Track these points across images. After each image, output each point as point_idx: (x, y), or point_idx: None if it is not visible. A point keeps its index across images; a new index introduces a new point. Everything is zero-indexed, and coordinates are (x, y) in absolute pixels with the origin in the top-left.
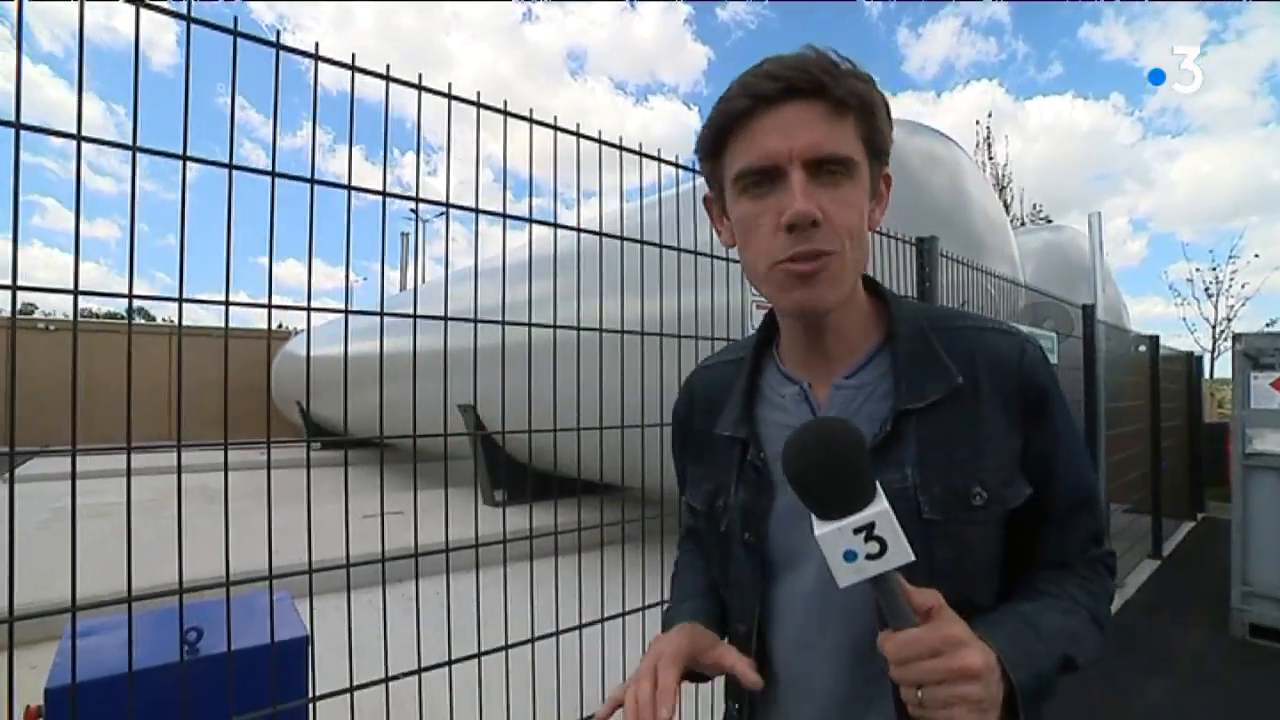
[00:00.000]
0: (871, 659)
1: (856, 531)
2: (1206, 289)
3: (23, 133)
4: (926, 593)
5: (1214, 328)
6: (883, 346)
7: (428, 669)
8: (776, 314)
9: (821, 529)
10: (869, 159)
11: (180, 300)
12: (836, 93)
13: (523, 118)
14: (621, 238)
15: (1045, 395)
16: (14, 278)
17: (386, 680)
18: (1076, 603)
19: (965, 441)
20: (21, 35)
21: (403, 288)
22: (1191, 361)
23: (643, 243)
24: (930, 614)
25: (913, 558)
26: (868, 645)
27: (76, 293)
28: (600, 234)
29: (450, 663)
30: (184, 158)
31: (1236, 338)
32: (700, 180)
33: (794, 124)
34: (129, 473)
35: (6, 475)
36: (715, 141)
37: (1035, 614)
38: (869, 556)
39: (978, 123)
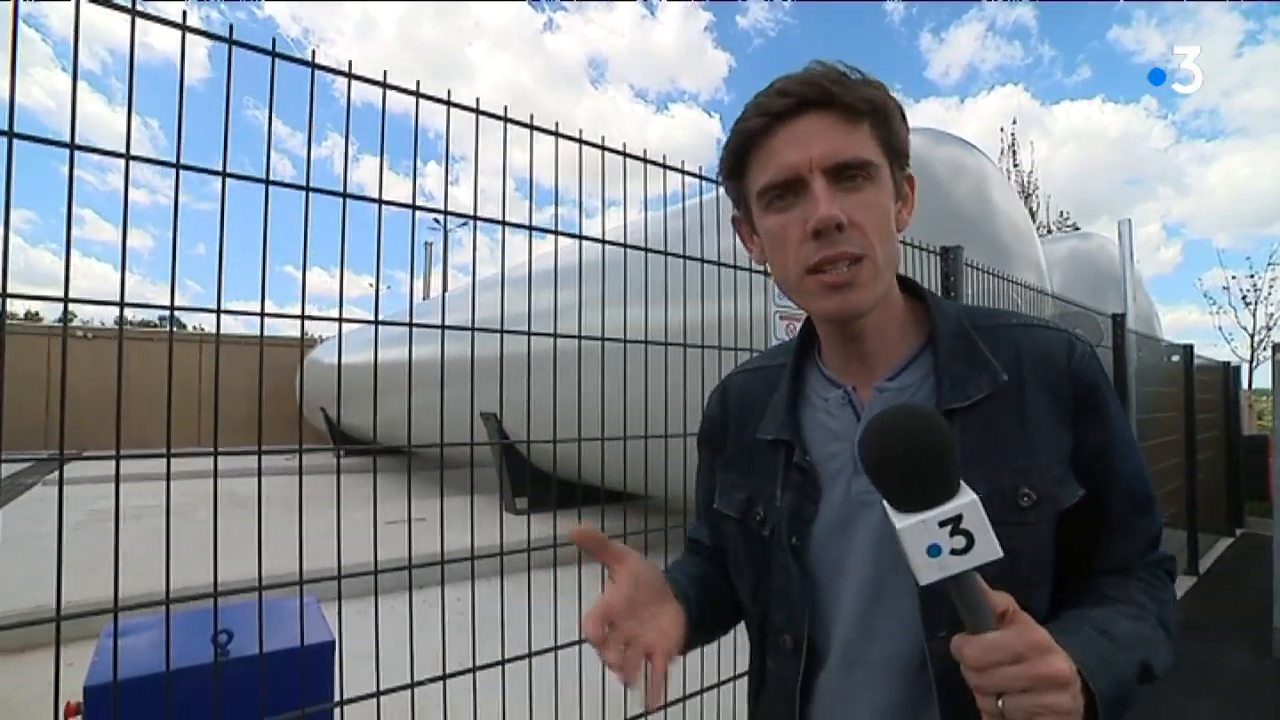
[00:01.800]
0: (920, 673)
1: (942, 525)
2: (1244, 297)
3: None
4: (1000, 594)
5: (1252, 337)
6: (924, 347)
7: (452, 675)
8: (813, 319)
9: (904, 522)
10: (889, 161)
11: (219, 311)
12: (847, 100)
13: (549, 131)
14: (646, 249)
15: (1096, 391)
16: (65, 290)
17: (412, 686)
18: (1144, 609)
19: (1013, 440)
20: (77, 66)
21: (426, 296)
22: (1229, 372)
23: (666, 254)
24: (1006, 617)
25: (1001, 554)
26: (916, 659)
27: (122, 304)
28: (625, 245)
29: (475, 669)
30: (224, 174)
31: (1277, 348)
32: (723, 190)
33: (809, 135)
34: (169, 478)
35: (46, 478)
36: (736, 162)
37: (1106, 620)
38: (954, 552)
39: (1002, 129)
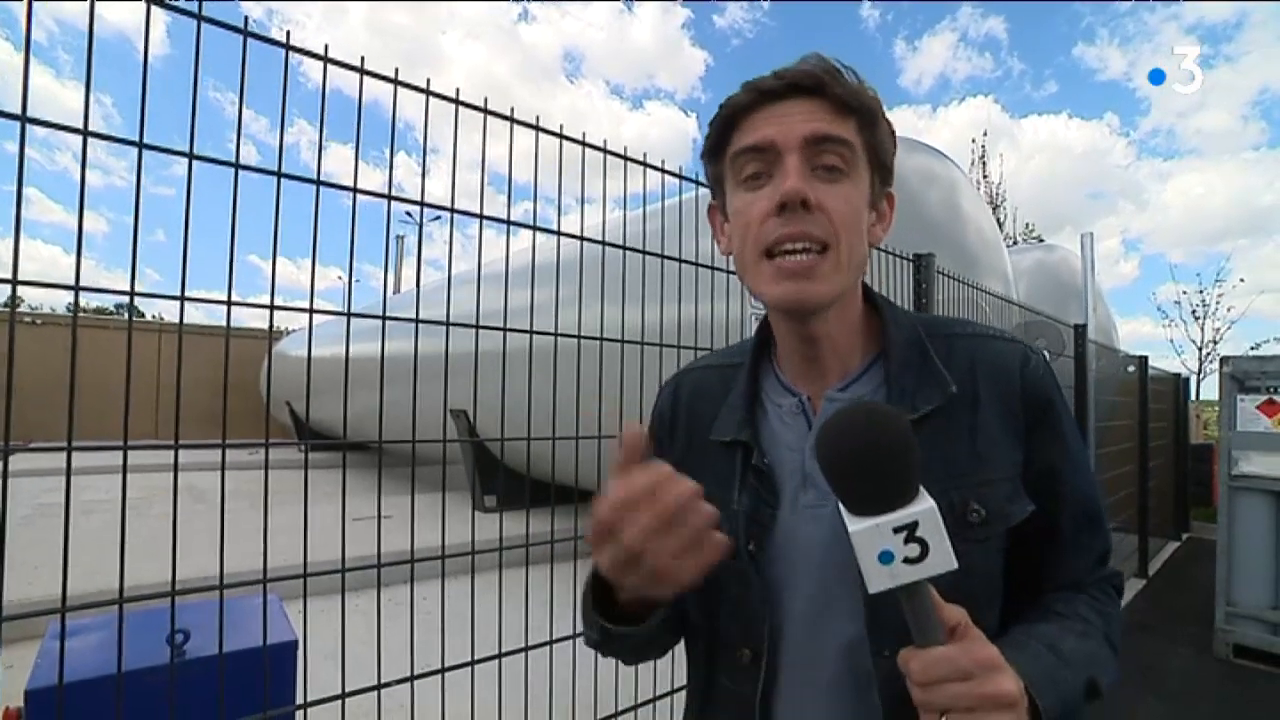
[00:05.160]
0: (868, 693)
1: (897, 530)
2: (1193, 311)
3: (3, 122)
4: (953, 608)
5: (1200, 350)
6: (878, 357)
7: (420, 676)
8: (770, 318)
9: (857, 525)
10: (870, 165)
11: (182, 299)
12: (839, 93)
13: (529, 125)
14: (624, 247)
15: (1050, 406)
16: (14, 271)
17: (379, 687)
18: (1090, 624)
19: (962, 455)
20: (30, 34)
21: (397, 290)
22: (1179, 383)
23: (644, 252)
24: (957, 632)
25: (955, 565)
26: (864, 679)
27: (77, 289)
28: (603, 243)
29: (443, 670)
30: (190, 155)
31: (1224, 360)
32: (703, 191)
33: (794, 113)
34: (125, 471)
35: None
36: (719, 137)
37: (1053, 636)
38: (907, 560)
39: (973, 140)
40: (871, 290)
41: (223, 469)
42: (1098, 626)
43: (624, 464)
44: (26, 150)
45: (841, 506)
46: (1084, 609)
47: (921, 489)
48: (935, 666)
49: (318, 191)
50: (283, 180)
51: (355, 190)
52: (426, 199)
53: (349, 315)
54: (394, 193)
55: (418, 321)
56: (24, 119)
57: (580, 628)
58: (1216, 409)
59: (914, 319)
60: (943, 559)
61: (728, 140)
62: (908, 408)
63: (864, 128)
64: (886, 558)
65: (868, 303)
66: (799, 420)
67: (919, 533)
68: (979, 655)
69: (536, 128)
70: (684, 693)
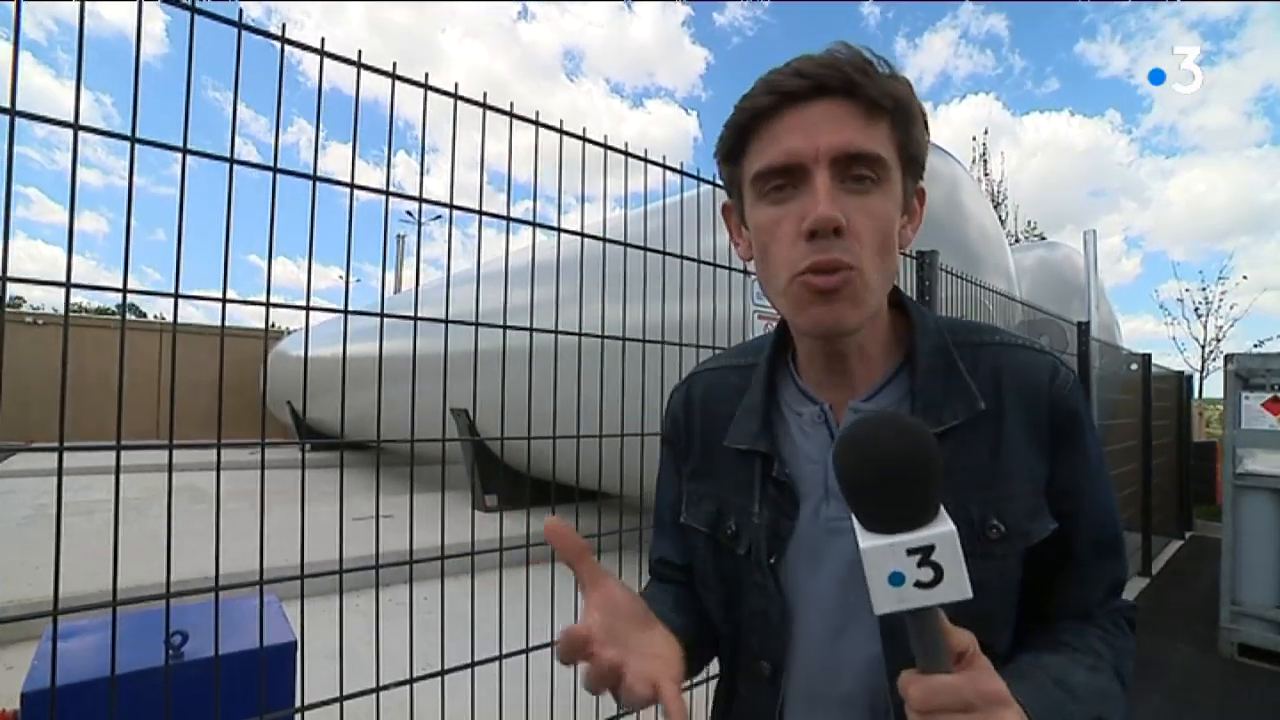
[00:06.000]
0: (885, 709)
1: (911, 552)
2: (1196, 309)
3: (3, 120)
4: (962, 633)
5: (1203, 347)
6: (903, 365)
7: (420, 679)
8: (792, 330)
9: (868, 541)
10: (902, 168)
11: (176, 296)
12: (870, 93)
13: (529, 120)
14: (625, 244)
15: (1077, 421)
16: (4, 268)
17: (377, 690)
18: (1101, 658)
19: (984, 468)
20: (20, 26)
21: (397, 289)
22: (1182, 381)
23: (645, 249)
24: (964, 659)
25: (969, 595)
26: (880, 700)
27: (69, 285)
28: (604, 240)
29: (443, 672)
30: (184, 150)
31: (1228, 358)
32: (704, 188)
33: (821, 122)
34: (118, 471)
35: None
36: (735, 142)
37: (1061, 669)
38: (919, 584)
39: (974, 138)
40: (900, 292)
41: (218, 468)
42: (1108, 660)
43: (580, 576)
44: (29, 151)
45: (855, 521)
46: (1095, 641)
47: (942, 510)
48: (937, 695)
49: (314, 187)
50: (281, 177)
51: (352, 186)
52: (425, 196)
53: (346, 313)
54: (394, 192)
55: (416, 319)
56: (13, 112)
57: None
58: (1219, 407)
59: (941, 324)
60: (956, 587)
61: (745, 145)
62: (933, 420)
63: (897, 126)
64: (897, 579)
65: (895, 306)
66: (820, 430)
67: (934, 557)
68: (984, 688)
69: (536, 123)
70: (686, 693)
